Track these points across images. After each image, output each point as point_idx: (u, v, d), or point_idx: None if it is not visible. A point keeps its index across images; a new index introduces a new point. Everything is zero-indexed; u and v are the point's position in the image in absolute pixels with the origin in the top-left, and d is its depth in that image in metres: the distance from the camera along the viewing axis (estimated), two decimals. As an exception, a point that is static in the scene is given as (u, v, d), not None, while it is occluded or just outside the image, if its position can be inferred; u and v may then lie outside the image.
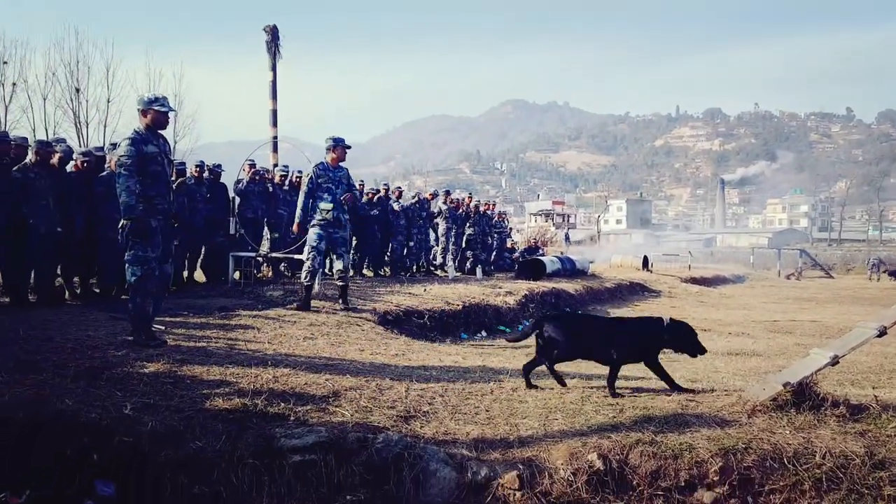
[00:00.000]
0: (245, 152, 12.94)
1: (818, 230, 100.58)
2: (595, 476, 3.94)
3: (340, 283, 9.05)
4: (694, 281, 23.54)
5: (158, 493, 3.60)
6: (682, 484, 3.99)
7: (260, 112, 20.06)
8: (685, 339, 5.63)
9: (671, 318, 5.66)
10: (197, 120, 28.73)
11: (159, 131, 6.18)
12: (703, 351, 5.65)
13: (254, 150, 12.59)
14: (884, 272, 34.52)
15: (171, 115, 6.26)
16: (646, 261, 24.36)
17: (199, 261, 11.95)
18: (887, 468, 4.02)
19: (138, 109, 6.09)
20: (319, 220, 8.61)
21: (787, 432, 4.36)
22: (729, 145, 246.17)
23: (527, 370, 5.71)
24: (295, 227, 9.09)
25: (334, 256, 9.15)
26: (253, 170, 12.27)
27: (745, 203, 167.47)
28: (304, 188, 8.87)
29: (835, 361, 4.89)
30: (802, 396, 4.82)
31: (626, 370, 5.86)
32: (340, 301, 9.01)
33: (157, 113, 6.01)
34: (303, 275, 8.68)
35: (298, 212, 8.82)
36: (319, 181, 8.80)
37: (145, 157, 5.93)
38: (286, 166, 13.94)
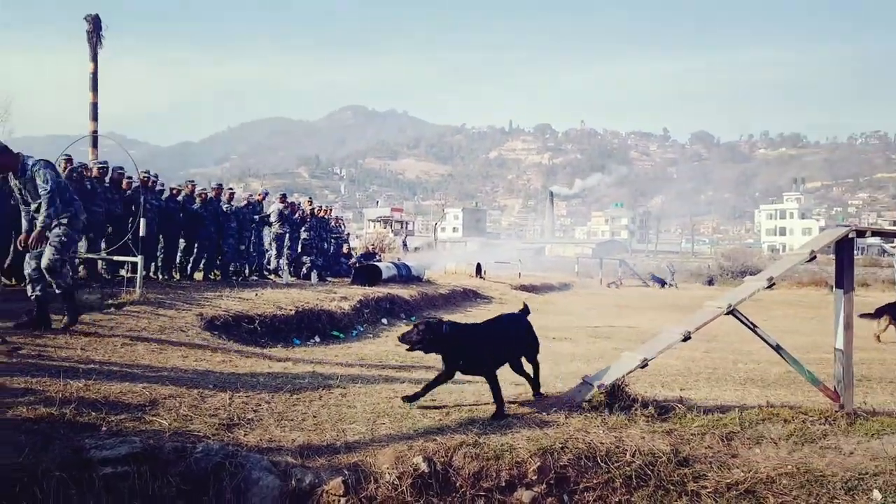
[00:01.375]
0: (63, 147, 12.01)
1: (637, 241, 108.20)
2: (420, 479, 4.02)
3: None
4: (523, 288, 24.50)
5: (-54, 512, 3.28)
6: (504, 484, 4.15)
7: (82, 105, 18.69)
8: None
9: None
10: (11, 111, 26.37)
11: None
12: None
13: (69, 144, 11.70)
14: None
15: None
16: (479, 268, 25.08)
17: (7, 262, 10.93)
18: (691, 465, 4.37)
19: None
20: None
21: (601, 432, 4.63)
22: (557, 159, 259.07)
23: None
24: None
25: None
26: (70, 166, 11.42)
27: (572, 215, 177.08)
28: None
29: (644, 364, 5.27)
30: (615, 397, 5.17)
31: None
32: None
33: None
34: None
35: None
36: None
37: None
38: (105, 162, 13.09)
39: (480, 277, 24.30)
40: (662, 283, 37.49)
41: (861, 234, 5.53)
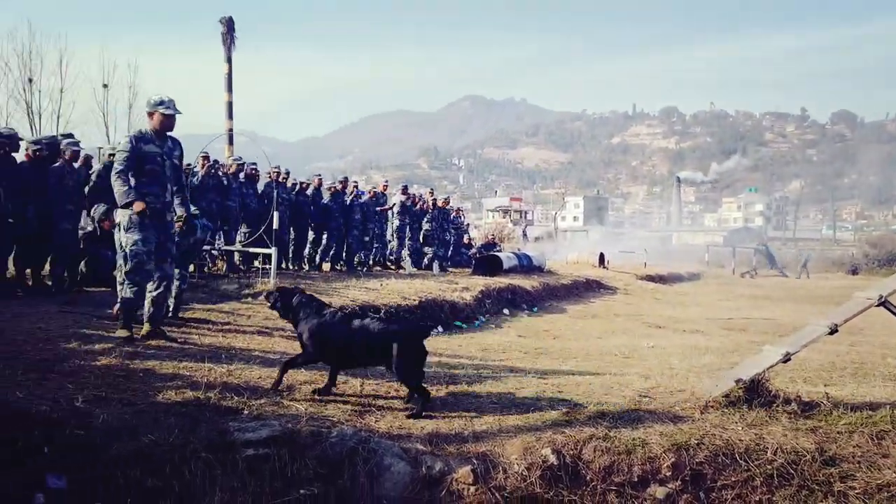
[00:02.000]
0: (201, 145, 12.72)
1: (773, 229, 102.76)
2: (549, 471, 4.00)
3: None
4: (650, 278, 23.77)
5: (110, 486, 3.55)
6: (636, 479, 4.06)
7: (216, 105, 19.74)
8: None
9: None
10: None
11: (168, 133, 6.20)
12: None
13: (208, 142, 12.37)
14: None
15: (176, 117, 6.16)
16: (602, 258, 24.56)
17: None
18: (837, 464, 4.15)
19: (146, 111, 6.14)
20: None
21: (739, 428, 4.45)
22: (685, 143, 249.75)
23: None
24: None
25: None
26: (207, 163, 12.09)
27: (701, 201, 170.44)
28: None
29: (787, 358, 5.01)
30: (754, 393, 4.93)
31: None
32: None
33: (162, 116, 6.03)
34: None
35: None
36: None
37: (143, 155, 5.95)
38: (240, 157, 13.77)
39: (604, 267, 23.78)
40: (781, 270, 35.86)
41: None
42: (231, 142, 17.77)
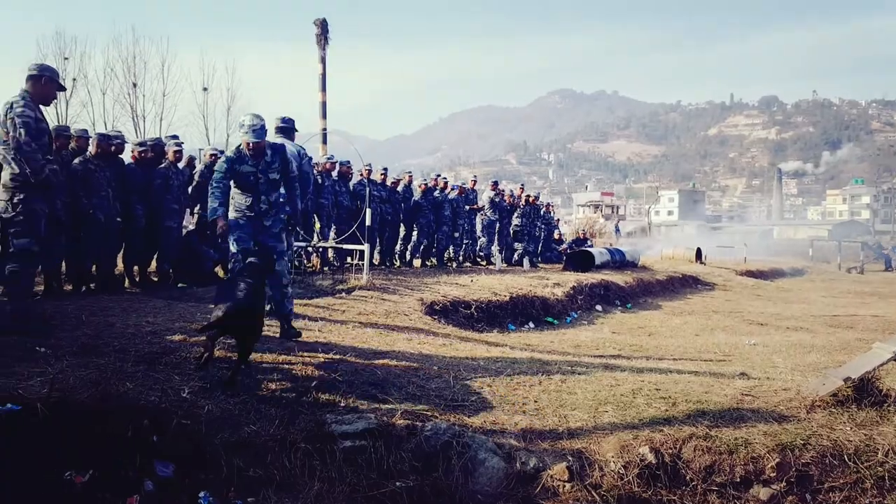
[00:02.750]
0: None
1: (881, 222, 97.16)
2: (647, 469, 3.91)
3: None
4: (750, 274, 22.92)
5: (215, 474, 3.69)
6: (738, 479, 3.94)
7: (309, 105, 20.26)
8: None
9: None
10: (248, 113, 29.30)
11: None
12: None
13: (304, 142, 12.70)
14: None
15: (253, 141, 6.13)
16: (699, 253, 23.85)
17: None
18: (958, 467, 3.89)
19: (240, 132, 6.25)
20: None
21: (848, 429, 4.26)
22: (786, 134, 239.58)
23: None
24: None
25: None
26: (302, 161, 12.40)
27: (804, 194, 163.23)
28: None
29: None
30: (864, 392, 4.73)
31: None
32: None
33: (247, 142, 6.10)
34: None
35: None
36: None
37: (237, 175, 6.17)
38: (332, 156, 14.09)
39: (701, 263, 23.07)
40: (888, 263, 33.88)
41: None
42: (325, 140, 18.18)
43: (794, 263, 30.23)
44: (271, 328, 6.44)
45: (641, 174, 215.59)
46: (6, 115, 5.66)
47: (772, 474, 3.93)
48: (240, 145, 6.21)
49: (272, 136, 6.91)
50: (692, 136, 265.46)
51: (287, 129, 7.79)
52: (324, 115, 19.26)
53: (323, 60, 19.56)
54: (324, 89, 19.35)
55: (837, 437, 4.11)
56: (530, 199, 18.74)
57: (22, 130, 5.61)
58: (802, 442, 4.05)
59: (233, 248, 6.22)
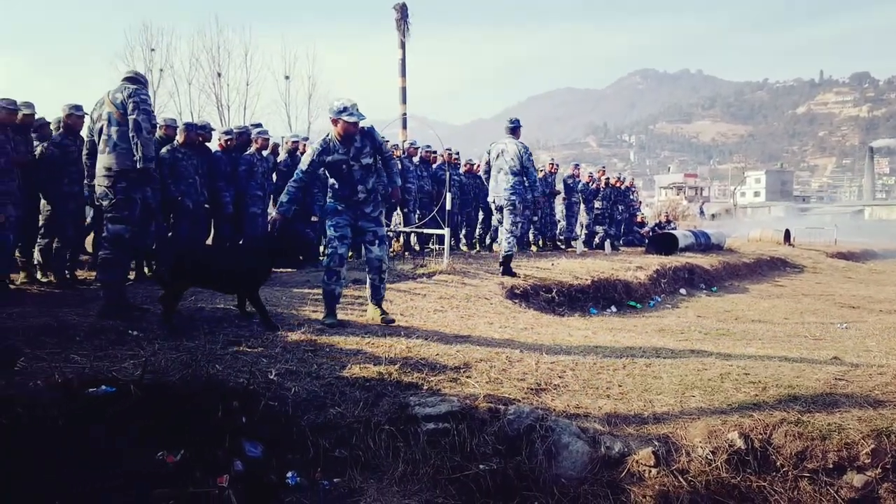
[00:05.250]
0: (378, 130, 13.22)
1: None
2: (735, 455, 3.81)
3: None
4: (840, 255, 21.98)
5: (302, 455, 3.79)
6: (830, 466, 3.80)
7: (390, 90, 20.37)
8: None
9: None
10: (330, 100, 29.75)
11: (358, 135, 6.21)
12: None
13: (384, 127, 12.83)
14: None
15: (360, 122, 6.15)
16: (787, 234, 23.02)
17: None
18: None
19: (330, 118, 6.17)
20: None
21: (951, 414, 4.06)
22: (879, 111, 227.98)
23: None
24: None
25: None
26: (383, 146, 12.53)
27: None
28: None
29: None
30: None
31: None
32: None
33: (346, 123, 6.05)
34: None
35: None
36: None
37: (328, 165, 6.19)
38: (414, 141, 14.17)
39: (789, 245, 22.26)
40: None
41: None
42: (405, 126, 18.26)
43: (887, 245, 28.81)
44: (355, 312, 6.56)
45: (727, 155, 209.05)
46: (127, 97, 5.83)
47: (866, 461, 3.78)
48: (326, 136, 6.19)
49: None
50: (779, 114, 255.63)
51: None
52: (403, 101, 19.33)
53: (402, 45, 19.60)
54: (403, 74, 19.41)
55: (940, 423, 3.90)
56: (612, 182, 18.45)
57: (143, 116, 5.80)
58: (901, 427, 3.86)
59: (330, 232, 6.28)
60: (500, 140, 10.00)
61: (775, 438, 3.89)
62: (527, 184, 9.76)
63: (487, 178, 10.22)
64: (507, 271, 9.72)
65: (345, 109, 6.04)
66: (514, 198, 9.73)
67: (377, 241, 6.32)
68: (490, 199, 10.14)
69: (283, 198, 6.11)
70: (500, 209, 9.93)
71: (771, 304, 11.03)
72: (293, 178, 6.18)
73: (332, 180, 6.29)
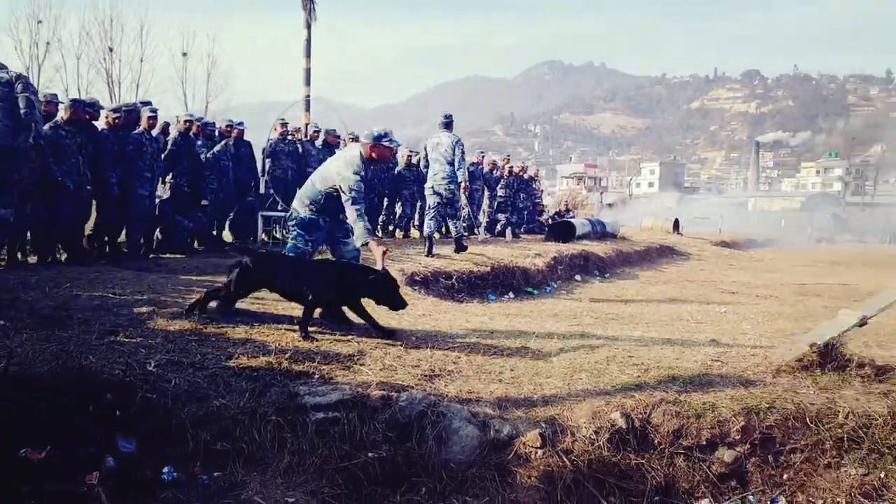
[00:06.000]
0: (278, 113, 12.95)
1: (851, 194, 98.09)
2: (617, 434, 3.96)
3: None
4: (724, 244, 23.19)
5: (182, 449, 3.65)
6: (704, 443, 4.01)
7: (293, 72, 19.88)
8: (384, 291, 5.60)
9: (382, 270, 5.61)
10: (230, 80, 28.79)
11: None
12: (403, 305, 5.68)
13: (285, 109, 12.56)
14: None
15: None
16: (676, 224, 24.04)
17: (228, 221, 12.06)
18: (908, 427, 3.99)
19: (366, 143, 5.94)
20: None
21: (811, 392, 4.37)
22: (766, 107, 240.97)
23: (206, 299, 5.64)
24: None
25: None
26: (283, 129, 12.28)
27: (780, 166, 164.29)
28: None
29: (863, 322, 4.89)
30: (828, 357, 4.85)
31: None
32: None
33: (384, 149, 5.95)
34: None
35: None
36: None
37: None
38: (317, 124, 13.95)
39: (678, 234, 23.27)
40: None
41: None
42: (308, 108, 17.85)
43: (767, 234, 30.61)
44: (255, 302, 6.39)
45: (625, 146, 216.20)
46: (15, 78, 5.49)
47: (736, 437, 4.01)
48: (359, 155, 5.91)
49: None
50: (675, 108, 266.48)
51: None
52: (308, 82, 18.86)
53: (308, 26, 19.10)
54: (308, 55, 18.93)
55: (801, 401, 4.19)
56: (515, 171, 18.72)
57: (35, 95, 5.47)
58: (767, 405, 4.12)
59: (303, 245, 6.07)
60: (435, 134, 11.08)
61: (654, 417, 4.07)
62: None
63: (427, 169, 11.28)
64: (461, 248, 11.07)
65: (385, 135, 5.94)
66: (451, 186, 10.73)
67: (349, 234, 6.19)
68: (428, 185, 11.01)
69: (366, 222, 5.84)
70: (439, 195, 10.84)
71: (658, 290, 11.45)
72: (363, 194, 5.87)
73: (327, 195, 5.98)
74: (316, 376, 4.36)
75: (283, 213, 10.73)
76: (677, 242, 20.51)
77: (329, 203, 5.97)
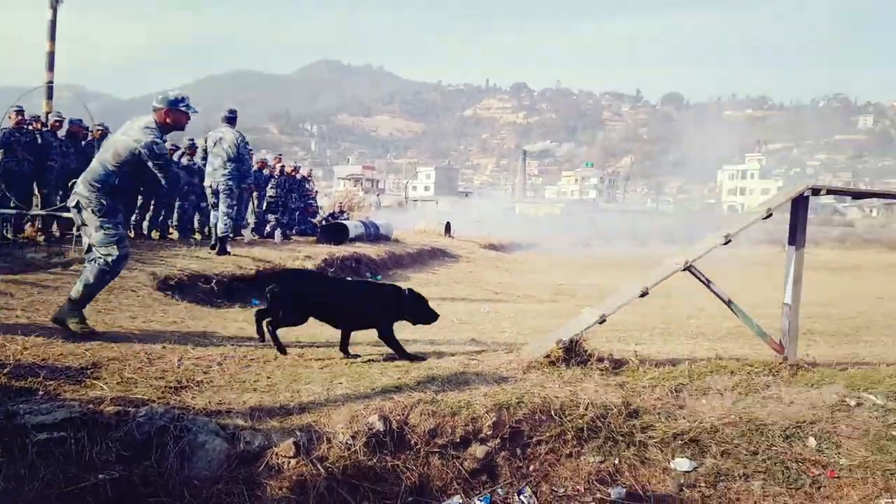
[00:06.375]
0: (13, 99, 11.53)
1: (605, 201, 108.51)
2: (374, 438, 3.94)
3: None
4: (492, 247, 24.52)
5: None
6: (458, 440, 4.10)
7: (35, 55, 17.89)
8: (421, 310, 5.68)
9: (410, 290, 5.75)
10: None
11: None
12: (435, 317, 5.76)
13: (21, 95, 11.23)
14: None
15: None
16: (448, 227, 25.01)
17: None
18: (640, 416, 4.42)
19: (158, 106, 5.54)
20: None
21: (557, 386, 4.65)
22: (532, 119, 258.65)
23: (258, 322, 5.53)
24: None
25: None
26: (19, 117, 10.98)
27: (544, 174, 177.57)
28: None
29: (602, 320, 5.30)
30: (572, 353, 5.20)
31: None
32: None
33: (179, 114, 5.62)
34: None
35: None
36: None
37: None
38: (59, 113, 12.64)
39: (449, 236, 24.24)
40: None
41: (816, 192, 5.58)
42: (50, 96, 16.19)
43: (531, 237, 32.80)
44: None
45: (402, 150, 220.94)
46: None
47: (488, 432, 4.15)
48: (152, 121, 5.53)
49: None
50: (450, 115, 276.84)
51: None
52: (51, 68, 17.10)
53: (54, 6, 17.32)
54: (53, 38, 17.15)
55: (547, 395, 4.44)
56: (287, 170, 18.35)
57: None
58: (517, 400, 4.31)
59: (115, 235, 5.52)
60: (217, 129, 10.67)
61: (412, 418, 4.10)
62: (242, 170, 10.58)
63: (205, 165, 10.93)
64: (223, 251, 10.57)
65: (182, 100, 5.62)
66: (230, 183, 10.41)
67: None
68: (207, 183, 10.70)
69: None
70: (216, 193, 10.50)
71: (427, 291, 11.57)
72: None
73: (122, 174, 5.46)
74: (41, 392, 3.91)
75: (12, 211, 9.62)
76: (449, 245, 21.31)
77: (124, 182, 5.55)
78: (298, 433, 3.84)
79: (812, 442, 4.31)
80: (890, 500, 3.92)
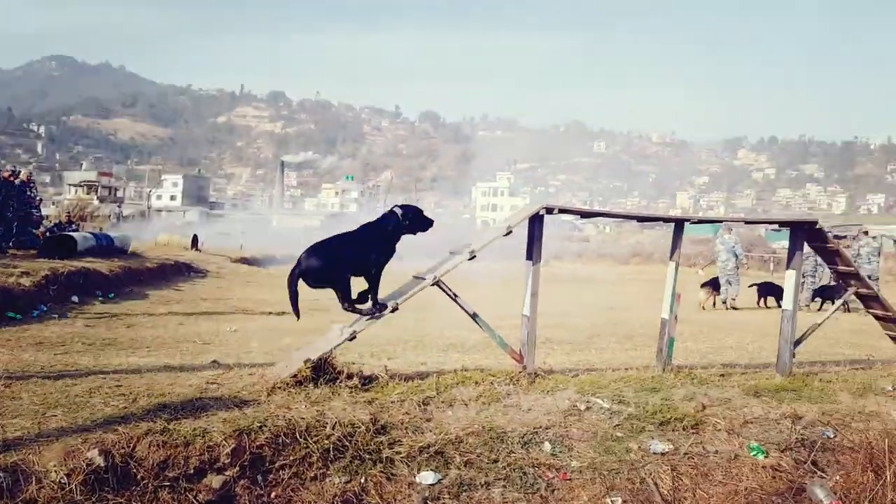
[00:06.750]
0: None
1: (365, 214, 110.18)
2: (94, 475, 3.63)
3: None
4: (244, 261, 23.78)
5: None
6: (192, 471, 3.88)
7: None
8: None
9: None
10: None
11: None
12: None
13: None
14: None
15: None
16: (195, 240, 23.89)
17: None
18: (388, 432, 4.45)
19: None
20: None
21: (303, 407, 4.56)
22: (291, 129, 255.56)
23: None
24: None
25: None
26: None
27: (303, 186, 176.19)
28: None
29: (352, 337, 5.32)
30: (321, 371, 5.13)
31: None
32: None
33: None
34: None
35: None
36: None
37: None
38: None
39: (196, 250, 23.12)
40: None
41: (550, 211, 5.92)
42: None
43: (287, 251, 32.28)
44: None
45: (146, 156, 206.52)
46: None
47: (226, 461, 3.97)
48: None
49: None
50: (201, 121, 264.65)
51: None
52: None
53: None
54: None
55: (292, 416, 4.34)
56: (4, 175, 16.38)
57: None
58: (259, 425, 4.17)
59: None
60: None
61: (139, 451, 3.83)
62: None
63: None
64: None
65: None
66: None
67: None
68: None
69: None
70: None
71: (168, 309, 11.17)
72: None
73: None
74: None
75: None
76: (195, 259, 20.32)
77: None
78: (1, 474, 3.44)
79: (547, 447, 4.54)
80: (615, 499, 4.20)
